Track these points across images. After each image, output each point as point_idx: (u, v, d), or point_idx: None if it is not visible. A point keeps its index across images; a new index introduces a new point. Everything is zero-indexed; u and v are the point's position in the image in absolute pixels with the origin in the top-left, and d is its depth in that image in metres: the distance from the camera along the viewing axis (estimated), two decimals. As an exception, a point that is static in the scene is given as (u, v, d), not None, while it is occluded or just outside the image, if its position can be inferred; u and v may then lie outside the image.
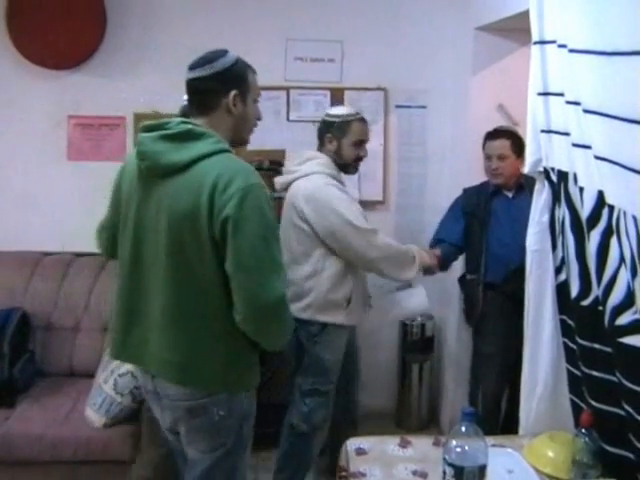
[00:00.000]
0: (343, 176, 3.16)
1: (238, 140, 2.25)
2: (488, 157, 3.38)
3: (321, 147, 3.15)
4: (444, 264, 3.36)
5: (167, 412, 2.25)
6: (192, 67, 2.20)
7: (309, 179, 3.01)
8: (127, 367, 3.15)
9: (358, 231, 2.94)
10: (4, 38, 3.80)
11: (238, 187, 1.99)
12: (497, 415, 3.47)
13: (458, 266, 3.66)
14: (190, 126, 2.11)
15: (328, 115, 3.14)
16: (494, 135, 3.38)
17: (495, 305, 3.36)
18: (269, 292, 2.01)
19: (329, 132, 3.10)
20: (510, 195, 3.39)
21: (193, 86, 2.20)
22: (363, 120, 3.15)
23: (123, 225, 2.21)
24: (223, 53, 2.21)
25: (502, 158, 3.29)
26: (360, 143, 3.12)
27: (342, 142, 3.09)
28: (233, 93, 2.15)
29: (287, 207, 3.09)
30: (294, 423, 3.19)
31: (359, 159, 3.15)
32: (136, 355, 2.23)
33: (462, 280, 3.64)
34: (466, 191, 3.57)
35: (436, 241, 3.50)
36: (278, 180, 3.19)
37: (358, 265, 3.06)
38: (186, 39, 3.92)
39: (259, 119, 2.31)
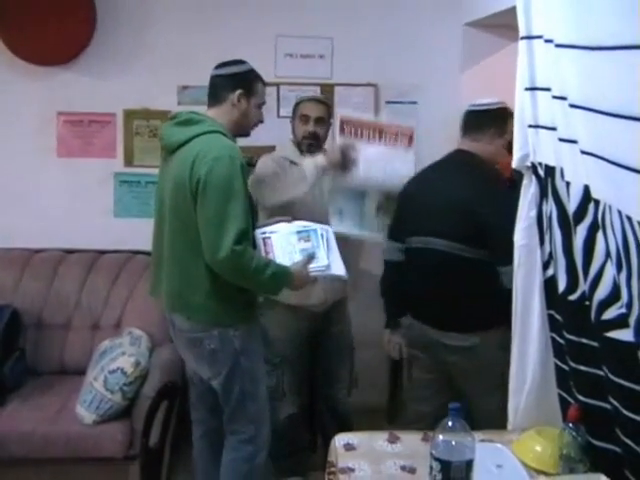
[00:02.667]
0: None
1: (239, 131, 2.78)
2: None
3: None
4: None
5: (179, 343, 2.85)
6: (216, 67, 2.82)
7: None
8: (117, 364, 3.16)
9: None
10: (-7, 35, 3.80)
11: (213, 156, 2.52)
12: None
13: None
14: (192, 115, 2.72)
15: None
16: None
17: None
18: (219, 247, 2.46)
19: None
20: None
21: (211, 81, 2.82)
22: (314, 100, 3.36)
23: (156, 192, 2.84)
24: (242, 62, 2.83)
25: None
26: (305, 119, 3.28)
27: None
28: (238, 92, 2.72)
29: None
30: None
31: (306, 136, 3.28)
32: (158, 292, 2.79)
33: None
34: None
35: None
36: None
37: None
38: (176, 36, 3.93)
39: (261, 121, 2.84)
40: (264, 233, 2.76)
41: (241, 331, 2.71)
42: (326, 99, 3.58)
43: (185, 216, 2.57)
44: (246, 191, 2.58)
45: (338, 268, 2.80)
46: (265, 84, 2.84)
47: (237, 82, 2.74)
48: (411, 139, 3.03)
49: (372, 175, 3.11)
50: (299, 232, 2.76)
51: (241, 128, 2.78)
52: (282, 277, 2.64)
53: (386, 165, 3.10)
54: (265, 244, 2.74)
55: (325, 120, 3.31)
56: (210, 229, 2.50)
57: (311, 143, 3.27)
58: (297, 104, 3.36)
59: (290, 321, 3.30)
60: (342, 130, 3.02)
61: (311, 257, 2.72)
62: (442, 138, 4.02)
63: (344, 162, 2.98)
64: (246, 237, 2.53)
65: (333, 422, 3.50)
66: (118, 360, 3.19)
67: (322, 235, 2.78)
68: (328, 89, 4.04)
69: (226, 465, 2.91)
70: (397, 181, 3.14)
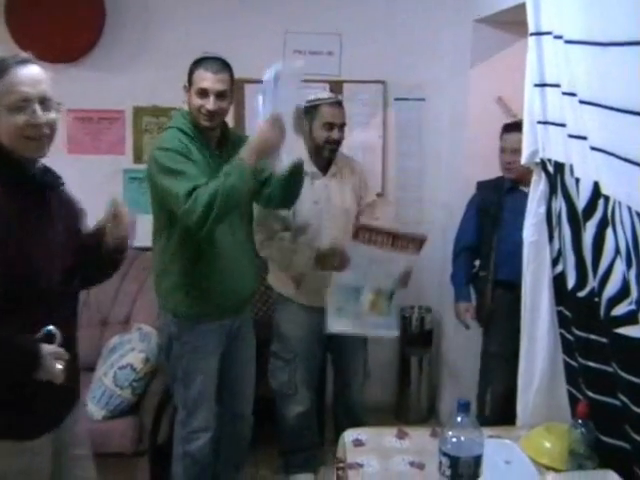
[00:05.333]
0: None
1: (198, 123, 2.73)
2: (503, 150, 3.29)
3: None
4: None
5: None
6: None
7: None
8: (127, 360, 3.17)
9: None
10: (3, 32, 3.80)
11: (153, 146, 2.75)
12: (507, 419, 3.37)
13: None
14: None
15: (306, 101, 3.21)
16: (510, 128, 3.25)
17: (504, 304, 3.22)
18: (178, 195, 2.50)
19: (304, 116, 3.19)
20: (527, 191, 3.21)
21: None
22: (335, 104, 3.20)
23: None
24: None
25: (516, 152, 2.97)
26: (330, 126, 3.15)
27: (313, 125, 3.17)
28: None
29: None
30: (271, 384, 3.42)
31: (330, 142, 3.17)
32: None
33: (475, 277, 3.54)
34: (480, 185, 3.49)
35: (460, 250, 3.52)
36: None
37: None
38: (185, 33, 3.93)
39: (207, 110, 2.68)
40: None
41: (180, 319, 2.83)
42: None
43: (153, 202, 2.79)
44: (185, 157, 2.62)
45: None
46: (204, 68, 2.72)
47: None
48: (421, 246, 3.06)
49: (371, 274, 3.10)
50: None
51: (195, 119, 2.72)
52: (240, 168, 2.49)
53: (388, 265, 3.09)
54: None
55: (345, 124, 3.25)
56: (165, 187, 2.61)
57: (334, 149, 3.22)
58: (316, 107, 3.17)
59: (303, 318, 3.30)
60: (356, 236, 2.99)
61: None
62: (450, 135, 4.04)
63: (338, 264, 3.08)
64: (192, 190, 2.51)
65: (346, 416, 3.52)
66: (128, 356, 3.20)
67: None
68: (337, 86, 4.03)
69: None
70: (390, 281, 3.14)
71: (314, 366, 3.43)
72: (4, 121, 1.83)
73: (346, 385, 3.55)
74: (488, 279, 3.34)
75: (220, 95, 2.69)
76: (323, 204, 3.21)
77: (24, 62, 1.87)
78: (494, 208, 3.33)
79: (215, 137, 2.81)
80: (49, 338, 1.89)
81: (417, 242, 3.04)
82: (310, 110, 3.17)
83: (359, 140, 4.06)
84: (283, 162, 2.58)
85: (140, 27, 3.94)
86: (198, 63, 2.74)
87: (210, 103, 2.67)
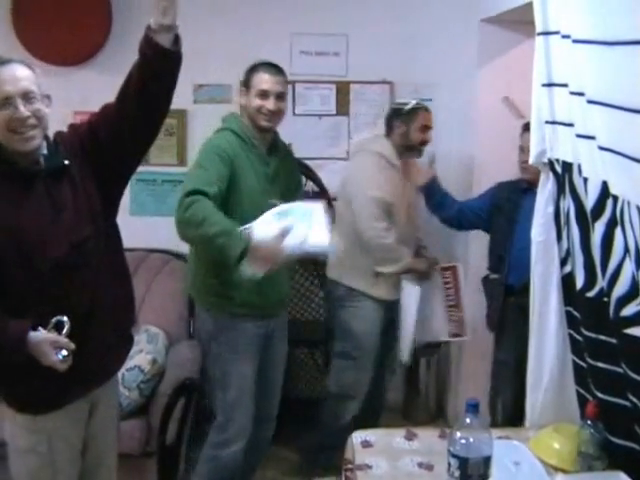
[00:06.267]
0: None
1: (254, 124, 2.88)
2: (521, 149, 3.23)
3: (389, 132, 3.42)
4: (432, 189, 3.50)
5: None
6: None
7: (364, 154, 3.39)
8: (134, 362, 3.17)
9: (364, 207, 3.23)
10: (11, 35, 3.83)
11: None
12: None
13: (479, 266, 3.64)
14: (226, 116, 3.01)
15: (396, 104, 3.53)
16: (529, 127, 3.19)
17: (515, 311, 3.15)
18: (186, 187, 2.63)
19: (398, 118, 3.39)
20: None
21: None
22: (428, 110, 3.44)
23: None
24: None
25: None
26: (426, 129, 3.39)
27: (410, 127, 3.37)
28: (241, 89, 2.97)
29: None
30: (327, 384, 3.44)
31: (424, 143, 3.42)
32: None
33: (485, 280, 3.49)
34: (500, 185, 3.46)
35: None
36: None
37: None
38: (191, 35, 3.87)
39: (267, 109, 2.84)
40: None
41: (217, 318, 2.90)
42: None
43: None
44: (219, 164, 2.72)
45: (319, 240, 2.55)
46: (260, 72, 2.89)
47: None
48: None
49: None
50: (279, 214, 2.54)
51: (252, 120, 2.89)
52: (234, 238, 2.46)
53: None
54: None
55: None
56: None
57: (423, 151, 3.47)
58: (415, 109, 3.39)
59: (374, 314, 3.35)
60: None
61: (287, 230, 2.45)
62: (458, 135, 4.03)
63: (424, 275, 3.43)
64: (198, 195, 2.58)
65: (372, 413, 3.54)
66: (135, 358, 3.20)
67: (304, 211, 2.57)
68: (343, 86, 4.04)
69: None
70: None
71: (375, 362, 3.44)
72: None
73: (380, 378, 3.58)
74: (500, 282, 3.29)
75: (279, 96, 2.89)
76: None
77: (5, 63, 2.01)
78: (509, 206, 3.28)
79: (267, 141, 2.94)
80: (59, 327, 2.01)
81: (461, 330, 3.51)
82: (409, 114, 3.37)
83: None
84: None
85: (147, 29, 3.95)
86: (256, 67, 2.92)
87: (271, 103, 2.85)
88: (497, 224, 3.34)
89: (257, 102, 2.85)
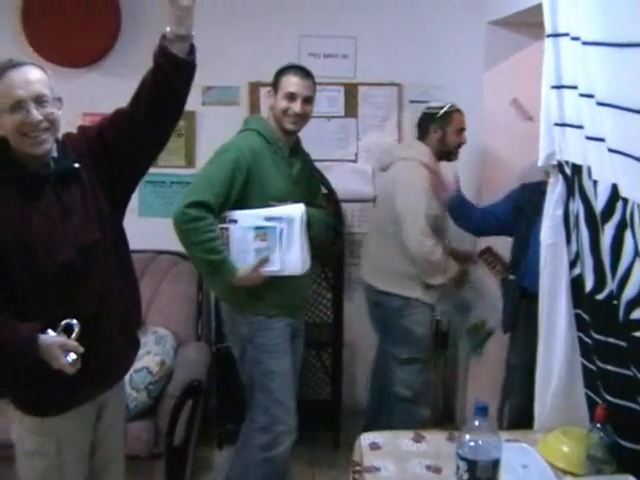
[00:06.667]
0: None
1: (279, 125, 2.93)
2: None
3: (424, 137, 3.43)
4: (457, 202, 3.46)
5: None
6: None
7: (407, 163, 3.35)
8: (142, 363, 3.17)
9: (414, 223, 3.21)
10: (20, 37, 3.83)
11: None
12: None
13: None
14: (248, 117, 3.19)
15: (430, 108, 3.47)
16: None
17: (527, 314, 3.10)
18: (177, 206, 2.73)
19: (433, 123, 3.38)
20: None
21: None
22: (461, 112, 3.42)
23: None
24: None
25: None
26: (462, 131, 3.39)
27: (446, 131, 3.36)
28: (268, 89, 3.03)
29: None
30: (397, 390, 3.44)
31: (461, 146, 3.43)
32: None
33: (504, 281, 3.49)
34: (523, 186, 3.40)
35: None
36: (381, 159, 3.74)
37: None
38: (200, 37, 3.91)
39: (294, 111, 2.88)
40: (225, 220, 2.81)
41: (250, 320, 2.90)
42: None
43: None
44: (229, 177, 2.75)
45: (294, 267, 2.86)
46: (288, 74, 2.93)
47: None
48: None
49: None
50: (257, 228, 2.81)
51: (277, 122, 2.93)
52: (222, 272, 2.76)
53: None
54: (222, 235, 2.80)
55: None
56: (183, 194, 2.82)
57: (458, 152, 3.49)
58: (449, 113, 3.38)
59: (429, 317, 3.43)
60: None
61: (264, 260, 2.80)
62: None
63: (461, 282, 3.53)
64: (204, 209, 2.70)
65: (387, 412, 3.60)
66: (143, 359, 3.21)
67: (281, 232, 2.81)
68: (352, 88, 4.03)
69: (239, 451, 3.07)
70: None
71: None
72: (5, 122, 1.97)
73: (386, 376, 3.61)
74: (517, 284, 3.26)
75: (306, 100, 2.91)
76: None
77: (17, 65, 1.98)
78: (530, 210, 3.20)
79: (290, 144, 2.97)
80: (68, 330, 2.01)
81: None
82: (444, 117, 3.37)
83: (375, 143, 4.07)
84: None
85: (156, 31, 3.89)
86: (285, 70, 2.95)
87: (297, 106, 2.88)
88: (518, 226, 3.30)
89: (284, 104, 2.88)
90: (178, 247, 3.92)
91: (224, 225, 2.80)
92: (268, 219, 2.79)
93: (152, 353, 3.26)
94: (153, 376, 3.17)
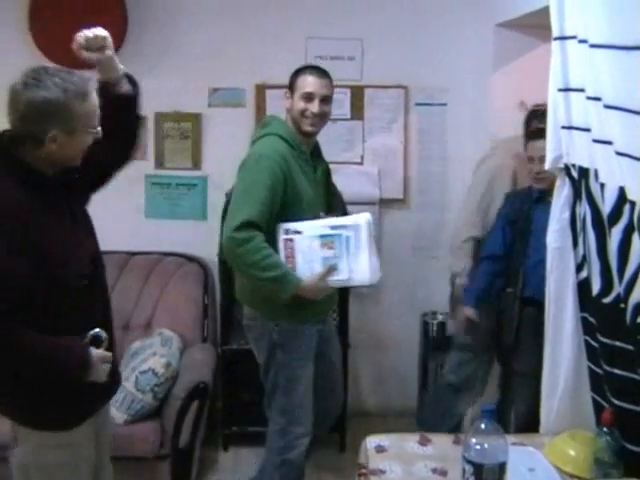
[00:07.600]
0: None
1: (298, 129, 2.85)
2: (530, 159, 3.10)
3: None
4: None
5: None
6: None
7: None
8: (148, 365, 3.18)
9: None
10: (27, 38, 3.84)
11: (248, 154, 2.81)
12: None
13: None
14: (269, 118, 3.01)
15: None
16: (536, 135, 2.98)
17: (531, 322, 3.04)
18: (224, 232, 2.71)
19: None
20: None
21: None
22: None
23: None
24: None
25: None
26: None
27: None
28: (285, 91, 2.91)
29: None
30: (443, 373, 3.55)
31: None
32: None
33: (499, 294, 3.33)
34: (508, 197, 3.34)
35: (483, 258, 3.37)
36: None
37: None
38: (207, 39, 3.94)
39: (311, 112, 2.80)
40: (287, 232, 2.75)
41: (282, 327, 2.84)
42: None
43: None
44: (270, 189, 2.68)
45: (362, 276, 2.77)
46: (310, 74, 2.84)
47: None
48: None
49: None
50: (323, 236, 2.73)
51: (295, 124, 2.85)
52: (286, 285, 2.70)
53: None
54: (286, 247, 2.75)
55: None
56: (227, 215, 2.76)
57: None
58: (532, 119, 3.32)
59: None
60: None
61: (332, 269, 2.73)
62: (472, 140, 4.02)
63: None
64: (252, 228, 2.64)
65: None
66: (149, 361, 3.22)
67: (348, 239, 2.72)
68: (358, 91, 4.03)
69: (265, 452, 3.06)
70: None
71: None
72: (79, 140, 2.00)
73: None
74: (515, 295, 3.19)
75: (324, 99, 2.83)
76: None
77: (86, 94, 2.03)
78: (522, 220, 3.17)
79: (311, 146, 2.93)
80: (96, 341, 2.03)
81: None
82: (530, 122, 3.31)
83: (381, 145, 4.07)
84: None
85: (162, 34, 3.96)
86: (301, 70, 2.88)
87: (315, 106, 2.80)
88: (513, 237, 3.23)
89: (301, 105, 2.81)
90: (184, 249, 3.95)
91: (288, 236, 2.74)
92: (334, 227, 2.73)
93: (158, 355, 3.26)
94: (159, 378, 3.17)
